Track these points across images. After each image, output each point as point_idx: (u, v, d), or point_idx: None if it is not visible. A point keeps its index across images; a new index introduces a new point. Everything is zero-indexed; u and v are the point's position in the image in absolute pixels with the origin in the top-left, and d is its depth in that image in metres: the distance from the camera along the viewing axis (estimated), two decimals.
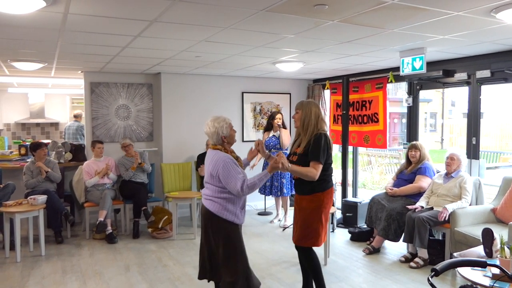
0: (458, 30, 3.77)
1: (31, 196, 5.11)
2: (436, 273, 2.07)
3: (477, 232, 4.15)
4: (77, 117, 8.14)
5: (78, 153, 6.52)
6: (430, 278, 2.03)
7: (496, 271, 2.73)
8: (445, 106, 24.33)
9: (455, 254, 3.54)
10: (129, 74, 6.78)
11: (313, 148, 3.26)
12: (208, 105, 7.13)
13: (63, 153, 6.38)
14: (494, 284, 2.45)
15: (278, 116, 6.31)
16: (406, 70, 4.87)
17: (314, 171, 3.23)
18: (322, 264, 4.68)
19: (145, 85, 6.91)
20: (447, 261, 2.15)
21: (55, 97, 10.28)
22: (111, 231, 5.62)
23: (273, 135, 6.30)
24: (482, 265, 2.24)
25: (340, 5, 2.94)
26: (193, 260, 4.88)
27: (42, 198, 5.13)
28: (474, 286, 1.77)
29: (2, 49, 4.64)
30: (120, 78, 6.73)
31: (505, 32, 3.83)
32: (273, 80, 7.67)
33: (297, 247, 3.57)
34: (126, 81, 6.77)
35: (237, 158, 3.17)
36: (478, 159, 5.16)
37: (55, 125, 10.50)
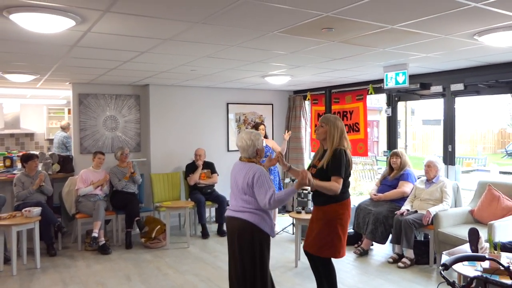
0: (440, 49, 4.17)
1: (26, 208, 5.09)
2: (446, 267, 2.37)
3: (458, 232, 4.56)
4: (64, 128, 8.09)
5: (66, 164, 6.50)
6: (442, 272, 2.31)
7: (487, 265, 3.09)
8: (407, 114, 25.49)
9: (443, 253, 3.88)
10: (117, 86, 6.85)
11: (334, 163, 3.39)
12: (195, 116, 7.29)
13: (51, 164, 6.35)
14: (491, 277, 2.78)
15: (261, 127, 6.50)
16: (390, 84, 5.26)
17: (336, 185, 3.35)
18: (293, 267, 4.99)
19: (132, 96, 6.99)
20: (453, 256, 2.45)
21: (31, 108, 10.11)
22: (104, 242, 5.66)
23: None
24: (481, 259, 2.57)
25: (345, 29, 3.24)
26: (191, 268, 5.01)
27: (37, 210, 5.12)
28: (487, 277, 2.06)
29: None
30: (108, 90, 6.79)
31: (480, 51, 4.26)
32: (256, 92, 7.93)
33: (308, 254, 3.68)
34: (114, 92, 6.83)
35: None
36: (454, 165, 5.62)
37: (30, 135, 10.31)
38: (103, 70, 5.27)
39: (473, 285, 2.30)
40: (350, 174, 3.60)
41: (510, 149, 19.79)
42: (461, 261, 2.56)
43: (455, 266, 3.24)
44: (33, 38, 3.39)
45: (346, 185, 3.55)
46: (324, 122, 3.54)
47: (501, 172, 12.32)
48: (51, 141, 9.90)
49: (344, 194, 3.53)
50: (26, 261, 5.19)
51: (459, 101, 5.66)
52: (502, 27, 3.26)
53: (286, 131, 6.70)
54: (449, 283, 2.26)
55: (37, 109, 10.19)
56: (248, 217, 3.11)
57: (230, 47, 3.92)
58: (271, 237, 3.22)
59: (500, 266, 2.62)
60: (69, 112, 10.14)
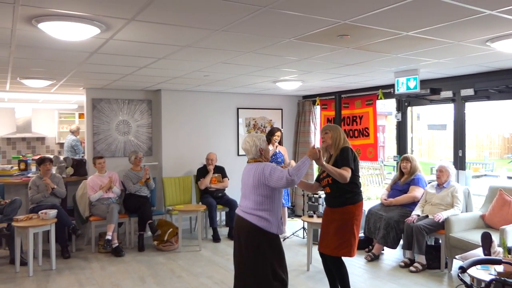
0: (452, 55, 4.22)
1: (42, 211, 5.18)
2: (463, 270, 2.42)
3: (469, 236, 4.59)
4: (73, 132, 8.21)
5: (79, 168, 6.60)
6: (459, 274, 2.37)
7: (501, 269, 3.13)
8: (413, 119, 25.46)
9: (457, 257, 3.91)
10: (130, 91, 6.96)
11: (341, 157, 3.63)
12: (205, 121, 7.38)
13: (65, 167, 6.45)
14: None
15: (278, 133, 6.51)
16: (401, 89, 5.31)
17: (346, 173, 3.54)
18: (305, 270, 5.06)
19: (144, 101, 7.09)
20: (470, 259, 2.51)
21: (42, 112, 10.26)
22: (117, 244, 5.73)
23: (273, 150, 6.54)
24: (498, 262, 2.62)
25: (361, 36, 3.31)
26: (204, 271, 5.07)
27: (53, 212, 5.21)
28: (505, 280, 2.11)
29: (16, 68, 4.75)
30: (121, 95, 6.90)
31: (491, 57, 4.31)
32: (266, 97, 8.01)
33: (322, 256, 3.86)
34: (127, 97, 6.94)
35: None
36: (465, 170, 5.65)
37: (42, 139, 10.44)
38: (118, 76, 5.37)
39: None
40: (359, 174, 3.80)
41: None
42: (478, 264, 2.62)
43: (469, 270, 3.29)
44: (55, 45, 3.48)
45: (358, 185, 3.76)
46: (327, 129, 3.81)
47: (509, 178, 12.29)
48: (61, 145, 10.05)
49: (359, 196, 3.75)
50: (42, 263, 5.27)
51: (468, 106, 5.70)
52: None
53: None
54: (467, 285, 2.31)
55: (49, 113, 10.34)
56: (255, 221, 3.24)
57: (246, 53, 3.99)
58: (279, 234, 3.35)
59: None
60: (79, 117, 10.30)
